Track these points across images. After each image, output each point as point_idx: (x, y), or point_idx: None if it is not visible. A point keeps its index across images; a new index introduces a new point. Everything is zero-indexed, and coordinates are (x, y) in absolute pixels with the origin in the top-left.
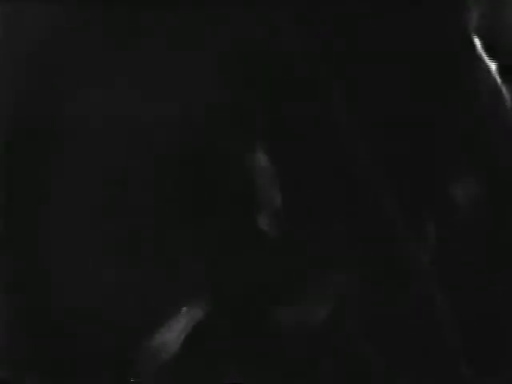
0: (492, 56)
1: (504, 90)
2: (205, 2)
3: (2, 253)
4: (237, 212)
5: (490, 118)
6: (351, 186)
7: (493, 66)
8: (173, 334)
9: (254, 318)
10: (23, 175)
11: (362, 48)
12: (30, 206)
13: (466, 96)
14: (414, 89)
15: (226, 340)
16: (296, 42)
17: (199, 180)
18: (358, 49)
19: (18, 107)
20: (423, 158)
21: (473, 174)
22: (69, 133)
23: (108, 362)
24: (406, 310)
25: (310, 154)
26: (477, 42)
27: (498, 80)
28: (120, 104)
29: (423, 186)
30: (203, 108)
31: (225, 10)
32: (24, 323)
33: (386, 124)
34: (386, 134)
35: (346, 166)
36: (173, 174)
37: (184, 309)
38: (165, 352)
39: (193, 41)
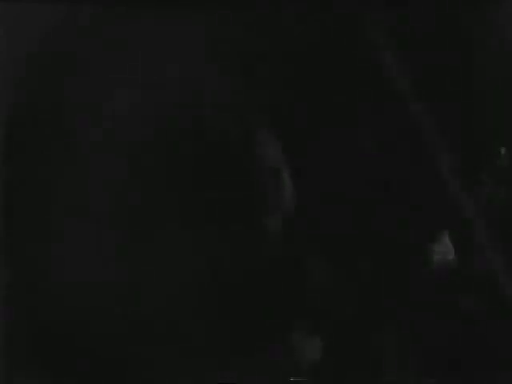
0: None
1: None
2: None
3: (2, 253)
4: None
5: None
6: None
7: None
8: None
9: None
10: (23, 174)
11: None
12: (31, 205)
13: None
14: None
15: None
16: None
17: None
18: None
19: (18, 106)
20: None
21: None
22: (69, 131)
23: (106, 362)
24: None
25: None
26: None
27: None
28: (120, 101)
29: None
30: (204, 107)
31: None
32: (23, 323)
33: None
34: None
35: None
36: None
37: None
38: None
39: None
